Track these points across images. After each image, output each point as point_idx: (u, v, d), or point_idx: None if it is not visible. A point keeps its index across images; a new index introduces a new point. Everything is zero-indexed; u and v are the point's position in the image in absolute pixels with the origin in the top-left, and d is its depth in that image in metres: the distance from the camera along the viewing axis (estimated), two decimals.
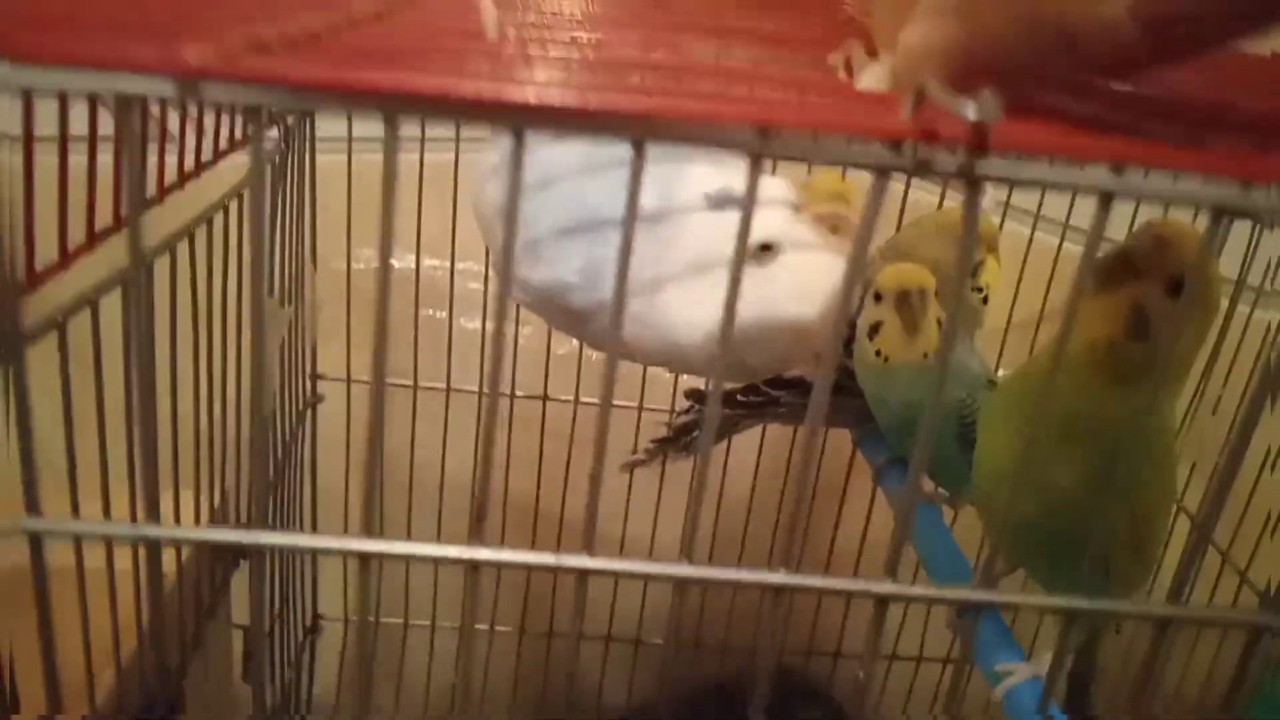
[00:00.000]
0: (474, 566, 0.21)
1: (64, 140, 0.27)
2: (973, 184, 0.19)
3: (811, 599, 0.80)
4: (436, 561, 0.21)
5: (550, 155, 0.33)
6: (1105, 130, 0.20)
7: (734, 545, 0.80)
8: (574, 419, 0.70)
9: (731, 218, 0.29)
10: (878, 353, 0.53)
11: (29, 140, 0.24)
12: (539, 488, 0.73)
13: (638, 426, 0.69)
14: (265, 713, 0.60)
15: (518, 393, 0.70)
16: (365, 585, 0.21)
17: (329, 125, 0.62)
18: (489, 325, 0.69)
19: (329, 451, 0.69)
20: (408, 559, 0.21)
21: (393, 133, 0.18)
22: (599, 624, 0.78)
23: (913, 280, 0.52)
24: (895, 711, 0.80)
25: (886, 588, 0.22)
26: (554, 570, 0.21)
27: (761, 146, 0.18)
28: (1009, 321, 0.72)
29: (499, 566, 0.21)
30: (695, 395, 0.64)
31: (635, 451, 0.66)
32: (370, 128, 0.57)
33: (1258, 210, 0.19)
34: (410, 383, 0.68)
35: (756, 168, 0.19)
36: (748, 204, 0.20)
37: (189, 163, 0.43)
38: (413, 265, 0.65)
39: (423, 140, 0.60)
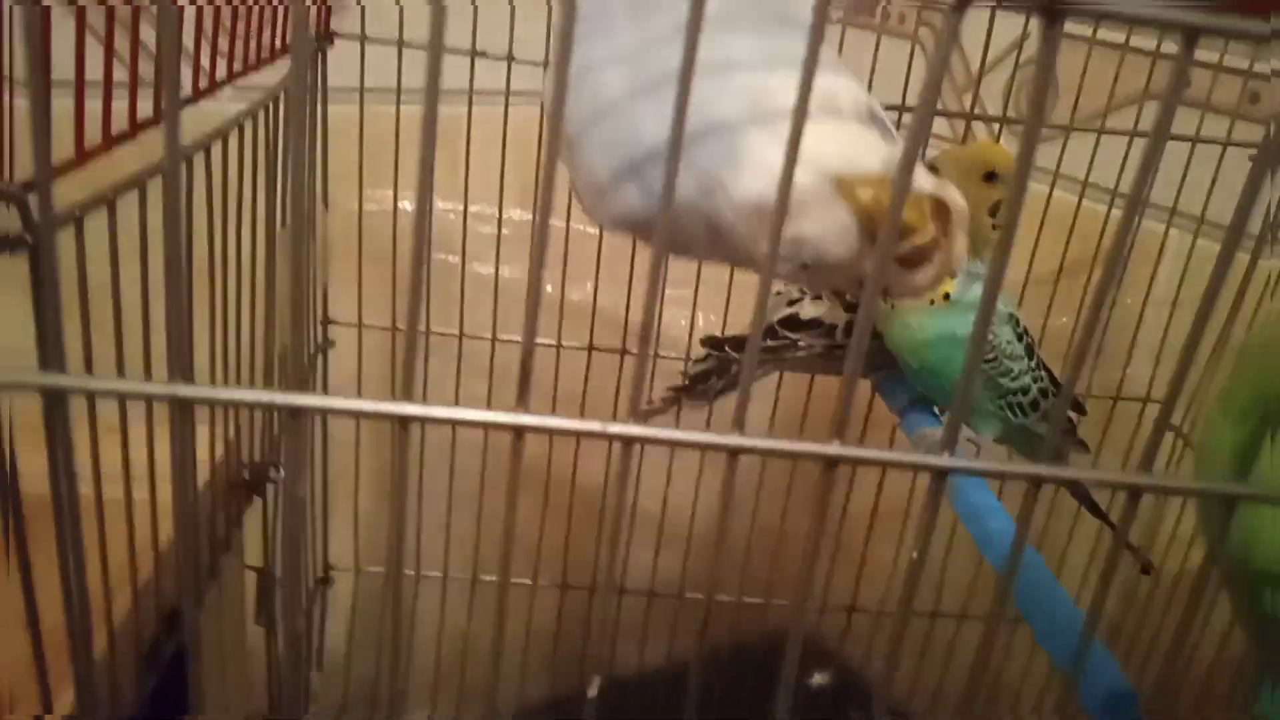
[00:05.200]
0: (519, 433, 0.20)
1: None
2: (1052, 16, 0.18)
3: (825, 557, 0.80)
4: (473, 425, 0.21)
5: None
6: None
7: (749, 494, 0.79)
8: (588, 368, 0.69)
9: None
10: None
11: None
12: (550, 455, 0.72)
13: (652, 374, 0.68)
14: (282, 652, 0.59)
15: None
16: (403, 448, 0.21)
17: (341, 76, 0.61)
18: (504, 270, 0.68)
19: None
20: (443, 422, 0.20)
21: None
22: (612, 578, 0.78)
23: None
24: (911, 666, 0.79)
25: (946, 461, 0.21)
26: (602, 436, 0.20)
27: None
28: (1027, 277, 0.71)
29: (545, 432, 0.20)
30: (712, 342, 0.64)
31: (650, 399, 0.66)
32: (381, 78, 0.56)
33: None
34: (422, 328, 0.68)
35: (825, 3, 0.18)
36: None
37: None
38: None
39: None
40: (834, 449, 0.21)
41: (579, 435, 0.20)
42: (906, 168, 0.20)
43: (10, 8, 0.28)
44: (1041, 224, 0.72)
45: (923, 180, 0.30)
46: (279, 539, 0.55)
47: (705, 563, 0.80)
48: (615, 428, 0.20)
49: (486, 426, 0.20)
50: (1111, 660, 0.39)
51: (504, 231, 0.67)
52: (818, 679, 0.80)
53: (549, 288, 0.70)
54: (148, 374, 0.32)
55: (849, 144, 0.28)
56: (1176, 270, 0.75)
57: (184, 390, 0.20)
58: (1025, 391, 0.53)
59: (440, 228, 0.67)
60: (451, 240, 0.68)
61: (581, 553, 0.77)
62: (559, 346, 0.69)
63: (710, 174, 0.27)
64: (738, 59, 0.28)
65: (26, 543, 0.28)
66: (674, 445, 0.21)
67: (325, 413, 0.21)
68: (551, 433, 0.20)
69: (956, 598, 0.77)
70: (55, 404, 0.20)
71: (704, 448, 0.21)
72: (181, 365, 0.20)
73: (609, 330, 0.70)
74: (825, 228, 0.28)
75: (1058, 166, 0.73)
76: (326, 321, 0.66)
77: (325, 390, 0.67)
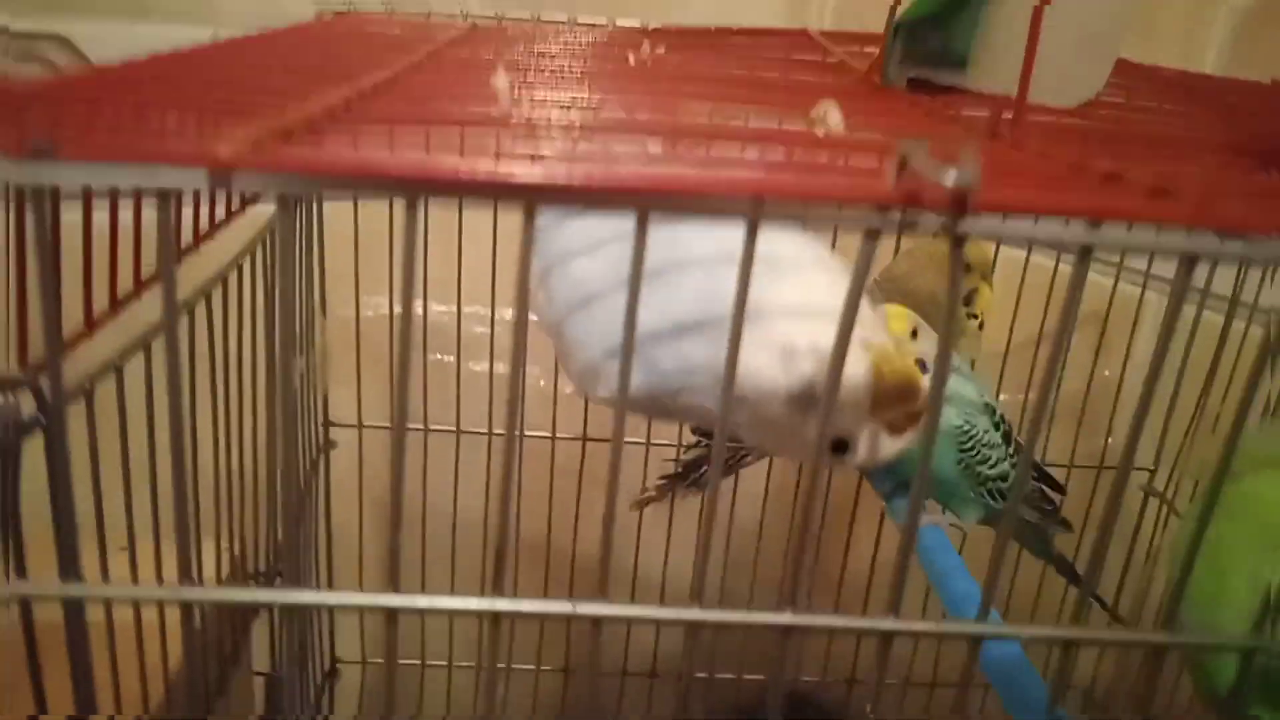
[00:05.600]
0: (494, 618, 0.22)
1: (88, 217, 0.28)
2: (957, 241, 0.20)
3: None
4: (456, 613, 0.22)
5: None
6: (1086, 179, 0.21)
7: (745, 571, 0.80)
8: (583, 456, 0.71)
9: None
10: None
11: (56, 232, 0.26)
12: (550, 526, 0.74)
13: (645, 462, 0.70)
14: None
15: (527, 431, 0.71)
16: (390, 639, 0.22)
17: None
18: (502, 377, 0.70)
19: (343, 496, 0.70)
20: (427, 612, 0.22)
21: (414, 215, 0.19)
22: (614, 658, 0.79)
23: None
24: None
25: (890, 624, 0.23)
26: (570, 617, 0.22)
27: (757, 213, 0.20)
28: (1009, 344, 0.73)
29: (517, 616, 0.22)
30: (702, 431, 0.65)
31: (644, 488, 0.67)
32: None
33: (1233, 258, 0.20)
34: (421, 426, 0.70)
35: (753, 233, 0.20)
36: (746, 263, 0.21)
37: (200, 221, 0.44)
38: (419, 311, 0.67)
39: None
40: (786, 618, 0.22)
41: (547, 617, 0.22)
42: (840, 348, 0.22)
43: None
44: (1020, 290, 0.73)
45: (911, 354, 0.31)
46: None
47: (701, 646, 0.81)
48: (584, 608, 0.22)
49: (460, 613, 0.22)
50: None
51: (496, 330, 0.69)
52: None
53: (541, 382, 0.72)
54: (157, 536, 0.34)
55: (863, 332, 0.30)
56: (1156, 334, 0.76)
57: (189, 594, 0.22)
58: (1004, 478, 0.55)
59: (435, 329, 0.69)
60: (447, 341, 0.70)
61: (584, 630, 0.78)
62: (554, 438, 0.71)
63: (712, 362, 0.29)
64: (724, 253, 0.29)
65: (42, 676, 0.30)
66: (633, 622, 0.22)
67: (322, 608, 0.22)
68: (527, 616, 0.22)
69: (956, 665, 0.78)
70: (74, 613, 0.22)
71: (665, 623, 0.23)
72: (187, 567, 0.22)
73: (604, 415, 0.72)
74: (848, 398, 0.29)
75: None
76: (328, 424, 0.68)
77: (328, 490, 0.69)
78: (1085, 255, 0.20)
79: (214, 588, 0.22)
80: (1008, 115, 0.32)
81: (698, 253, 0.28)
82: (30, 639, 0.25)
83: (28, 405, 0.29)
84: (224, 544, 0.52)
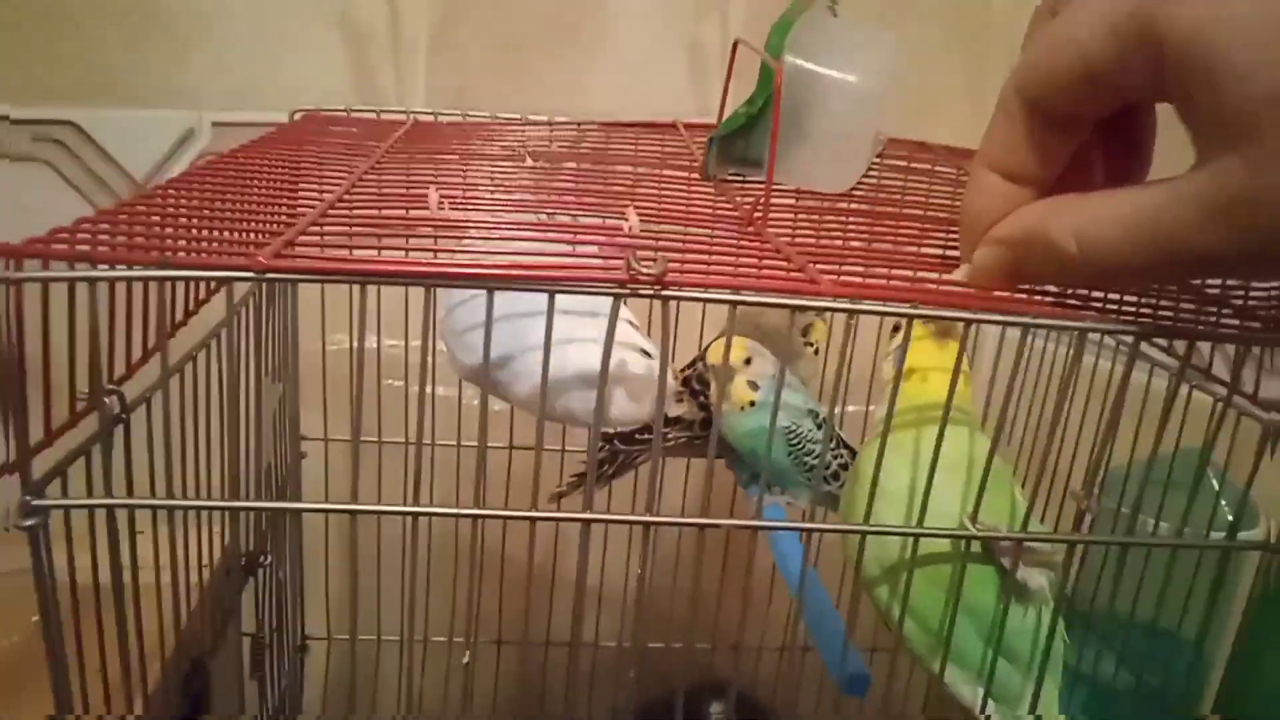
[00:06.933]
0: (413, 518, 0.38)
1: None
2: (664, 303, 0.36)
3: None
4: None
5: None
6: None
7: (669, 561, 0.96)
8: (509, 464, 0.87)
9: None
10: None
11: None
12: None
13: (562, 465, 0.86)
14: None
15: (464, 443, 0.86)
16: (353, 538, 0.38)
17: None
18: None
19: (313, 497, 0.85)
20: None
21: (364, 294, 0.35)
22: (561, 633, 0.94)
23: (718, 357, 0.69)
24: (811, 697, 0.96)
25: (739, 522, 0.39)
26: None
27: (553, 290, 0.36)
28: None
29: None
30: (604, 437, 0.81)
31: (560, 484, 0.83)
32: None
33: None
34: (376, 439, 0.85)
35: (554, 304, 0.36)
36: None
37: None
38: (374, 345, 0.82)
39: None
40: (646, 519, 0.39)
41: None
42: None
43: None
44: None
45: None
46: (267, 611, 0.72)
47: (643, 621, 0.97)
48: (472, 511, 0.38)
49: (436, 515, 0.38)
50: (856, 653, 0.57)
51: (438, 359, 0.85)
52: (716, 709, 0.96)
53: (474, 400, 0.88)
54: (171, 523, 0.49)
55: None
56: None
57: (226, 504, 0.37)
58: (827, 466, 0.72)
59: (387, 359, 0.85)
60: (396, 369, 0.85)
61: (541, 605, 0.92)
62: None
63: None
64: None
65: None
66: (504, 519, 0.38)
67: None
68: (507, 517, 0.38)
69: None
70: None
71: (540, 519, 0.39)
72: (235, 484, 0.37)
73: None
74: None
75: None
76: (299, 438, 0.83)
77: (299, 490, 0.84)
78: (733, 306, 0.37)
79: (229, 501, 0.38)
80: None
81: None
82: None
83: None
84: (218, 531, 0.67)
